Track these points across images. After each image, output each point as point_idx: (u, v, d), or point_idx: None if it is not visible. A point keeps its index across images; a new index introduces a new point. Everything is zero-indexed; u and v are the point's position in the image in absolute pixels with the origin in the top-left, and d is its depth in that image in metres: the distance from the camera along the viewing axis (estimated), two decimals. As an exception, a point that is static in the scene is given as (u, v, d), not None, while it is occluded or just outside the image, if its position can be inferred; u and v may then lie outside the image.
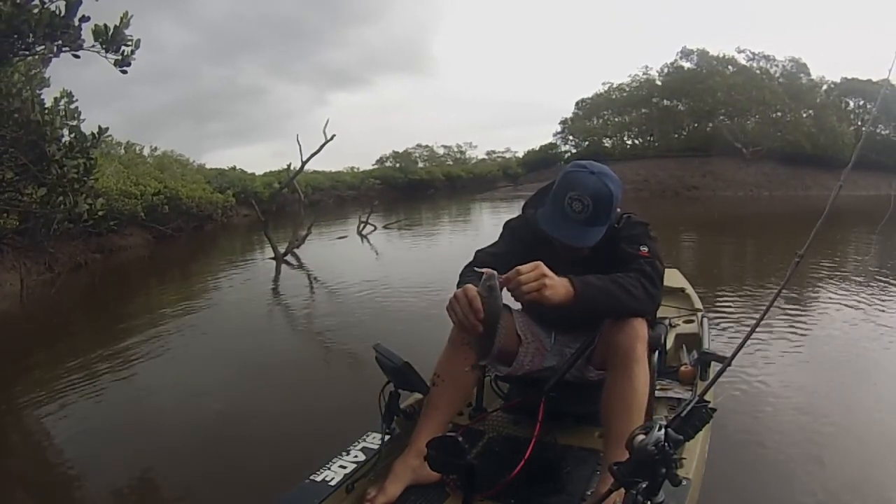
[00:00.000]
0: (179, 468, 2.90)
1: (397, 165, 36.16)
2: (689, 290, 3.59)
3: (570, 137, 32.08)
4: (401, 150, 39.16)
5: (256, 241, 14.26)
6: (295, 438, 3.15)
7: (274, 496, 1.59)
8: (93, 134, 3.36)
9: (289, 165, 12.69)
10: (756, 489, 2.39)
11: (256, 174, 24.32)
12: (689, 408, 1.07)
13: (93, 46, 3.16)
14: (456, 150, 43.94)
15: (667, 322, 2.60)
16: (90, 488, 2.81)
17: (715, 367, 2.28)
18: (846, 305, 5.38)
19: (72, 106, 3.58)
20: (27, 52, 3.02)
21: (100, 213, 3.58)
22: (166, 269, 11.12)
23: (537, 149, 36.10)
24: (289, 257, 9.97)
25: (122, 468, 2.92)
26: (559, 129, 32.85)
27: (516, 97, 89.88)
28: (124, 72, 3.30)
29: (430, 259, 10.08)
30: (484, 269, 1.36)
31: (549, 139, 34.61)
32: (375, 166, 36.56)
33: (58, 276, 8.65)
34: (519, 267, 1.42)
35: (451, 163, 41.21)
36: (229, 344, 5.33)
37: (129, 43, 3.24)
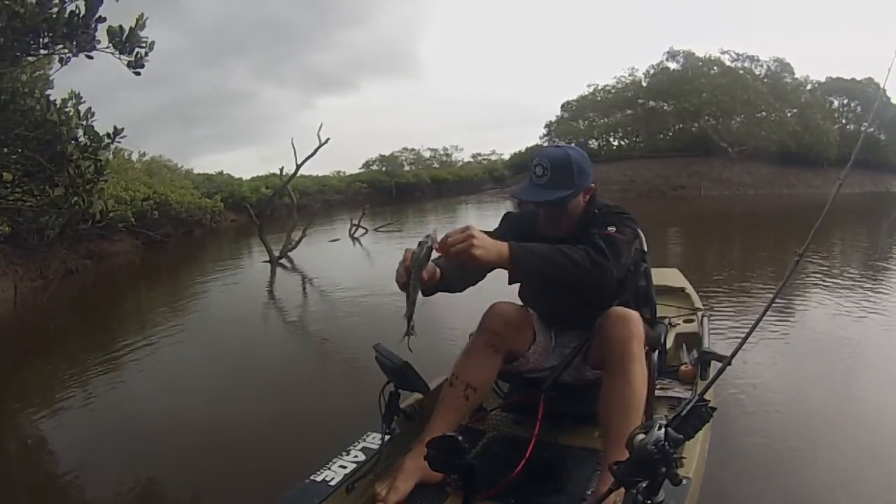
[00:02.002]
0: (176, 469, 2.91)
1: (384, 169, 36.04)
2: (689, 289, 3.60)
3: (556, 139, 32.25)
4: (387, 154, 39.13)
5: (245, 245, 14.24)
6: (293, 437, 3.18)
7: (274, 496, 1.58)
8: (108, 134, 3.37)
9: (281, 170, 12.60)
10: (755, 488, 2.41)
11: (244, 179, 24.20)
12: (689, 407, 1.07)
13: (107, 47, 3.18)
14: (442, 152, 44.00)
15: (667, 321, 2.59)
16: (88, 491, 2.80)
17: (715, 366, 2.28)
18: (845, 303, 5.51)
19: (79, 107, 3.56)
20: (44, 52, 3.03)
21: (111, 215, 3.58)
22: (159, 275, 11.03)
23: (523, 151, 36.28)
24: (283, 260, 9.99)
25: (120, 471, 2.91)
26: (545, 131, 33.12)
27: (502, 99, 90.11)
28: (137, 73, 3.30)
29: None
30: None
31: (535, 141, 34.87)
32: (362, 170, 36.47)
33: (50, 282, 8.56)
34: (450, 230, 1.50)
35: (437, 165, 41.18)
36: (229, 346, 5.33)
37: (144, 45, 3.24)
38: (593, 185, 1.87)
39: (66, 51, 3.01)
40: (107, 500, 2.70)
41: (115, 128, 3.35)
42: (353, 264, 10.21)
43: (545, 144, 33.02)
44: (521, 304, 2.01)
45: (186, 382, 4.30)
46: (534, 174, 1.80)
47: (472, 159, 44.77)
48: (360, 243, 12.40)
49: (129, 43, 3.19)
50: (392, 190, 31.14)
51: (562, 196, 1.76)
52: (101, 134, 3.34)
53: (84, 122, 3.31)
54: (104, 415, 3.75)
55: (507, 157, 40.88)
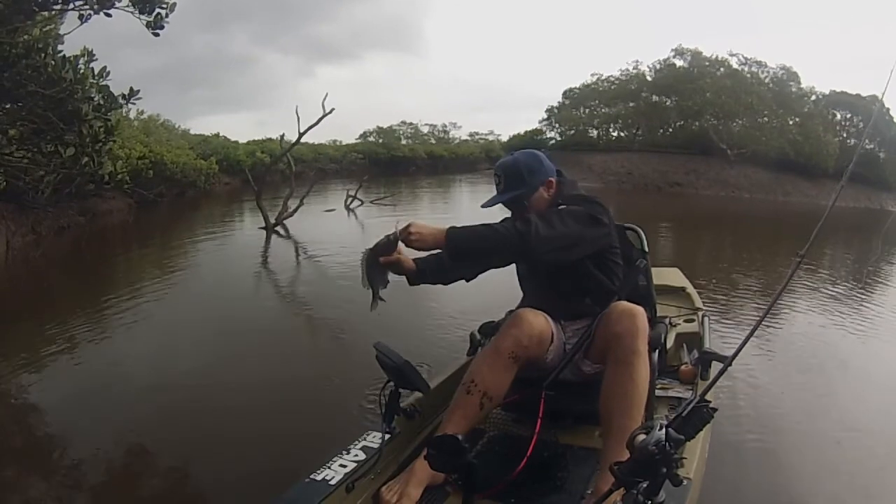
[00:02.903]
0: (164, 432, 2.92)
1: (380, 141, 35.74)
2: (690, 289, 3.60)
3: (556, 125, 32.02)
4: (385, 126, 38.73)
5: (238, 209, 14.15)
6: (279, 403, 3.24)
7: (273, 495, 1.57)
8: (123, 95, 3.28)
9: (281, 136, 12.47)
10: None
11: (240, 142, 23.90)
12: (689, 407, 1.07)
13: (126, 6, 3.08)
14: (440, 129, 43.57)
15: (667, 321, 2.58)
16: (74, 452, 2.78)
17: (716, 366, 2.29)
18: (844, 305, 5.65)
19: (93, 66, 3.47)
20: (65, 7, 2.93)
21: (119, 176, 3.51)
22: (154, 235, 10.88)
23: (522, 134, 35.97)
24: (278, 227, 10.01)
25: (107, 433, 2.91)
26: (545, 116, 32.77)
27: (503, 81, 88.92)
28: (156, 34, 3.19)
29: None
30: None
31: (534, 125, 34.34)
32: (359, 140, 36.09)
33: (43, 238, 8.46)
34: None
35: (434, 141, 40.84)
36: (224, 312, 5.35)
37: (165, 6, 3.14)
38: (552, 178, 1.98)
39: (88, 7, 2.91)
40: (94, 461, 2.69)
41: (131, 89, 3.25)
42: (349, 236, 10.22)
43: (544, 129, 32.97)
44: (542, 309, 1.98)
45: (182, 345, 4.32)
46: (495, 185, 2.00)
47: (469, 138, 44.44)
48: (356, 215, 12.37)
49: (149, 3, 3.09)
50: (387, 162, 30.96)
51: (513, 195, 1.94)
52: (115, 94, 3.26)
53: (98, 82, 3.22)
54: (93, 375, 3.75)
55: (504, 138, 40.50)
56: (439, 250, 1.74)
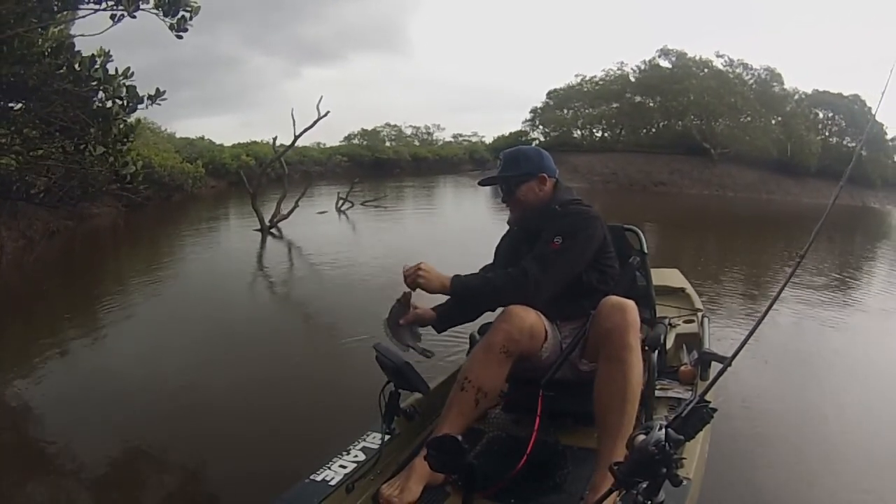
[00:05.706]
0: (162, 434, 2.94)
1: (364, 143, 35.66)
2: (690, 289, 3.61)
3: (540, 126, 32.27)
4: (369, 128, 38.64)
5: (226, 212, 14.10)
6: (275, 405, 3.26)
7: (273, 495, 1.58)
8: (148, 95, 3.30)
9: (274, 139, 12.52)
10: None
11: (225, 145, 23.72)
12: (689, 408, 1.07)
13: (153, 8, 3.12)
14: (424, 130, 43.59)
15: (667, 322, 2.55)
16: (75, 456, 2.80)
17: (715, 367, 2.30)
18: (843, 306, 5.86)
19: (108, 64, 3.48)
20: (99, 8, 2.95)
21: (140, 177, 3.54)
22: (147, 239, 10.81)
23: (507, 135, 36.11)
24: (272, 230, 10.05)
25: (105, 436, 2.92)
26: (530, 116, 33.02)
27: (488, 82, 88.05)
28: (180, 37, 3.20)
29: (407, 231, 10.84)
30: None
31: (517, 126, 34.52)
32: (343, 143, 35.96)
33: (35, 243, 8.37)
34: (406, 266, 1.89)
35: (417, 143, 40.85)
36: (224, 314, 5.35)
37: (190, 9, 3.16)
38: (546, 176, 2.08)
39: (122, 8, 2.94)
40: (91, 462, 2.71)
41: (157, 90, 3.26)
42: (342, 237, 10.32)
43: (528, 130, 33.18)
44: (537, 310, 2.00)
45: (180, 347, 4.32)
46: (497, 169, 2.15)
47: (452, 139, 44.46)
48: (347, 216, 12.44)
49: (174, 5, 3.13)
50: (371, 164, 30.94)
51: (504, 175, 2.09)
52: (140, 94, 3.28)
53: (125, 81, 3.24)
54: (91, 377, 3.77)
55: (489, 140, 40.60)
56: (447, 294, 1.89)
